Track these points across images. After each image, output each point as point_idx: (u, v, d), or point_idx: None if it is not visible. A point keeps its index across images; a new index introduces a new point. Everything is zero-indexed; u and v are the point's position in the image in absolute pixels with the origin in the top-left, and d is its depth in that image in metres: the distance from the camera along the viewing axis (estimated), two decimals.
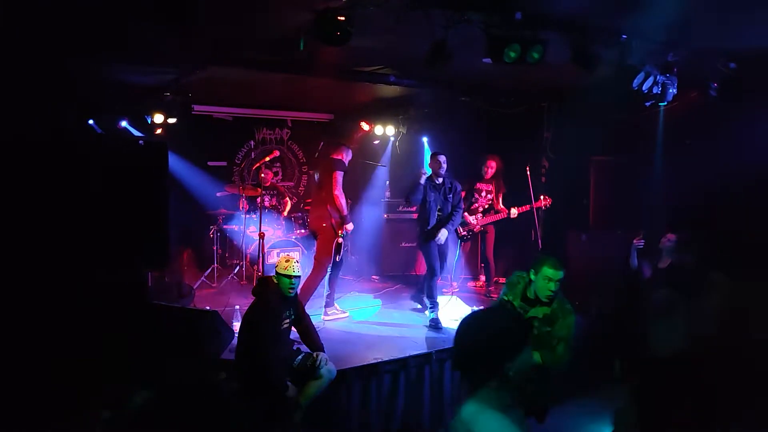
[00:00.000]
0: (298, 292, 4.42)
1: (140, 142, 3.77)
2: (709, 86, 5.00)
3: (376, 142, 8.90)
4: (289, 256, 4.19)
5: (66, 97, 5.67)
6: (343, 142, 5.99)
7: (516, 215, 6.72)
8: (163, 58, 4.78)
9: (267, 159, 5.91)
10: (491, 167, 6.96)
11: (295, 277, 4.05)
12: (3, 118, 4.12)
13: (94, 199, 3.35)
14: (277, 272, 4.04)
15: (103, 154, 3.55)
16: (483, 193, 6.98)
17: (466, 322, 1.88)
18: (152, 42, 4.34)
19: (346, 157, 5.75)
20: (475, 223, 6.91)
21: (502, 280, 7.55)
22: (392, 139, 8.70)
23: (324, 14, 3.30)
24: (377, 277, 7.87)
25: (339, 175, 5.55)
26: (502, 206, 6.91)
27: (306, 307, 4.63)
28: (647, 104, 4.79)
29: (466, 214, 6.90)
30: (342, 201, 5.56)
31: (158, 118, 6.86)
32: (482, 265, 7.36)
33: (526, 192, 6.66)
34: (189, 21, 3.44)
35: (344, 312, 5.80)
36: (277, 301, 4.06)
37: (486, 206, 6.97)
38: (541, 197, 6.68)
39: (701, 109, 5.34)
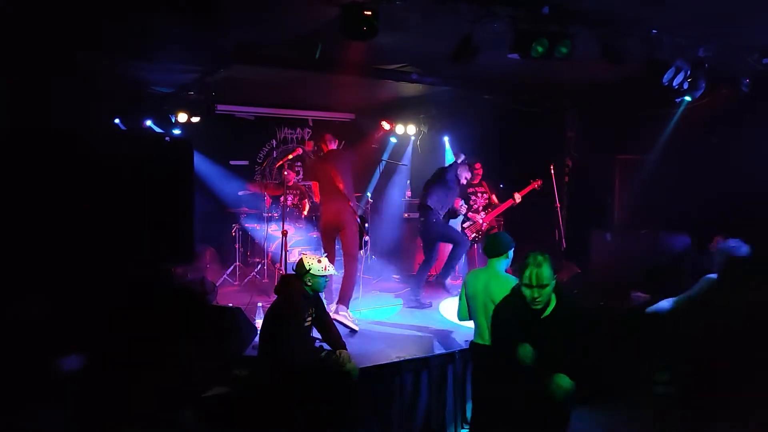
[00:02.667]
0: (340, 289, 5.11)
1: (167, 139, 3.78)
2: (740, 82, 4.87)
3: (395, 140, 8.87)
4: (318, 256, 4.21)
5: (93, 96, 5.75)
6: (326, 132, 6.11)
7: (520, 199, 6.71)
8: (189, 56, 4.82)
9: (290, 156, 5.92)
10: (478, 172, 7.08)
11: (331, 275, 4.23)
12: (33, 116, 4.20)
13: (123, 195, 3.38)
14: (311, 274, 4.04)
15: (130, 151, 3.59)
16: (479, 194, 7.10)
17: None
18: (178, 40, 4.37)
19: (335, 140, 5.96)
20: (482, 221, 6.89)
21: None
22: (413, 138, 8.67)
23: (350, 9, 3.28)
24: (398, 277, 7.83)
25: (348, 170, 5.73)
26: (496, 201, 7.02)
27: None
28: (677, 100, 4.69)
29: (471, 213, 6.94)
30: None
31: (182, 117, 6.94)
32: None
33: (549, 190, 6.59)
34: (214, 18, 3.46)
35: (356, 324, 5.41)
36: (300, 299, 4.07)
37: (485, 203, 7.06)
38: (532, 181, 6.72)
39: (732, 106, 5.21)
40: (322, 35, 4.17)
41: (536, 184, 6.74)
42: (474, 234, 6.93)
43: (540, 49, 3.69)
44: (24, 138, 3.24)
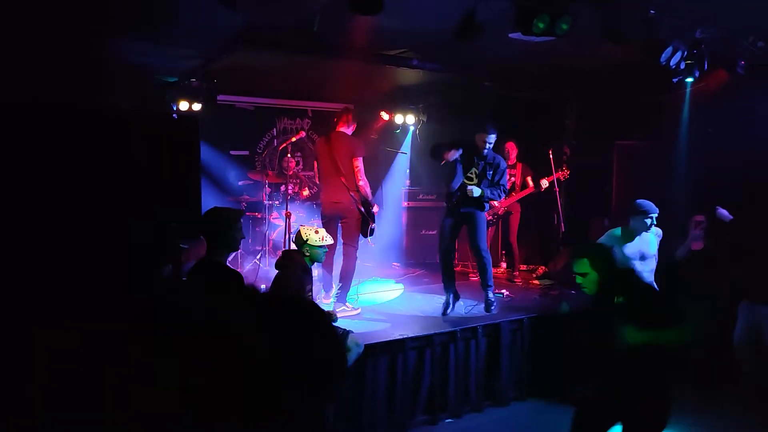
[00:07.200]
0: (339, 284, 5.12)
1: (173, 116, 3.82)
2: (736, 64, 4.96)
3: (397, 131, 8.92)
4: (315, 227, 4.26)
5: (96, 80, 5.77)
6: (349, 108, 5.65)
7: (547, 185, 6.66)
8: (195, 39, 4.86)
9: (294, 139, 5.93)
10: (510, 150, 6.92)
11: (328, 245, 4.26)
12: (39, 92, 4.22)
13: (133, 171, 3.41)
14: (309, 244, 4.10)
15: (140, 125, 3.61)
16: (509, 176, 6.87)
17: None
18: (186, 21, 4.41)
19: (354, 123, 5.52)
20: (499, 205, 6.87)
21: (523, 267, 7.50)
22: (412, 127, 8.73)
23: None
24: (398, 264, 7.90)
25: (360, 162, 5.29)
26: (530, 183, 6.86)
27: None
28: (674, 80, 4.77)
29: None
30: (368, 189, 5.35)
31: (183, 105, 6.97)
32: (503, 251, 7.33)
33: (548, 176, 6.67)
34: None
35: (356, 309, 5.39)
36: (301, 274, 4.12)
37: (509, 188, 6.84)
38: (560, 169, 6.69)
39: (729, 89, 5.29)
40: (326, 17, 4.22)
41: (563, 174, 6.65)
42: (490, 218, 6.82)
43: (541, 25, 3.75)
44: (28, 114, 3.25)
